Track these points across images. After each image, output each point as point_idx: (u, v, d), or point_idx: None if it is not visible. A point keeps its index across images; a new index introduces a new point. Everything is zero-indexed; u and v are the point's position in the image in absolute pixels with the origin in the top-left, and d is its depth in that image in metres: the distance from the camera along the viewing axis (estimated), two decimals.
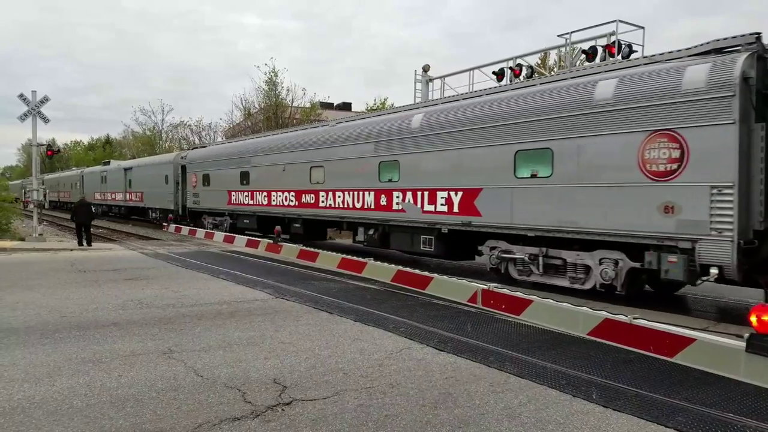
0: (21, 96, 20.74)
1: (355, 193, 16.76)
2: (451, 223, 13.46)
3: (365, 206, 16.32)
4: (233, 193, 23.92)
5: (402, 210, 14.96)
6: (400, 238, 15.43)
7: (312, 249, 16.16)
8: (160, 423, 4.54)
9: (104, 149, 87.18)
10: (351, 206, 16.93)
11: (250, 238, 20.71)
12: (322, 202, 18.24)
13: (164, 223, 30.25)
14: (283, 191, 20.41)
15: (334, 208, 17.69)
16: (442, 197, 13.70)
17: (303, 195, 19.21)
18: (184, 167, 29.23)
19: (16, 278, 12.19)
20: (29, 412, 4.72)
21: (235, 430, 4.43)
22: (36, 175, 22.80)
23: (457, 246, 14.02)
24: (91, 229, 20.81)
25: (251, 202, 22.58)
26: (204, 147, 29.83)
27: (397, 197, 15.11)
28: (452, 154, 13.41)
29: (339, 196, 17.48)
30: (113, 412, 4.76)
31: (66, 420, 4.58)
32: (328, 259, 15.02)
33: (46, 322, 8.06)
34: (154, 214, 34.37)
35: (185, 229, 26.71)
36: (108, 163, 47.06)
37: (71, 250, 18.63)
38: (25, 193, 56.69)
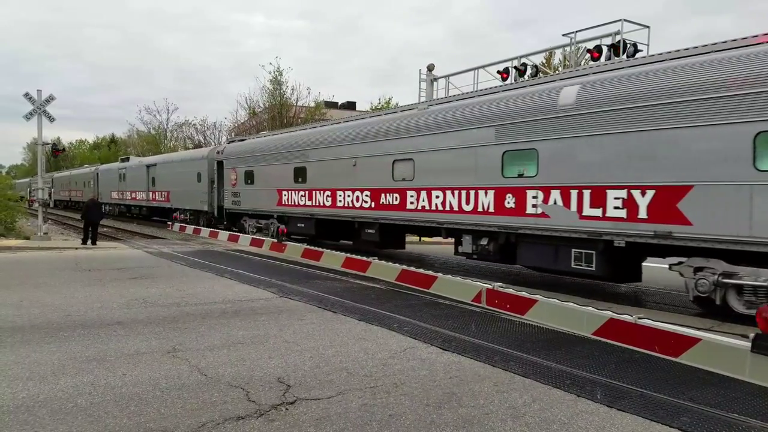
0: (26, 95, 20.80)
1: (463, 192, 13.14)
2: (633, 234, 9.80)
3: (479, 209, 12.73)
4: (285, 192, 20.52)
5: (542, 215, 11.40)
6: (535, 252, 11.82)
7: (316, 248, 16.17)
8: (164, 422, 4.55)
9: (109, 148, 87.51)
10: (454, 208, 13.38)
11: (255, 237, 20.72)
12: (411, 203, 14.73)
13: (168, 222, 30.30)
14: (353, 190, 16.93)
15: (429, 210, 14.14)
16: (616, 198, 10.10)
17: (383, 195, 15.72)
18: (220, 163, 25.57)
19: (21, 277, 12.23)
20: (34, 411, 4.73)
21: (238, 429, 4.43)
22: (41, 174, 22.87)
23: (623, 263, 10.70)
24: (97, 228, 20.90)
25: (308, 203, 19.16)
26: (242, 140, 25.74)
27: (534, 197, 11.59)
28: (635, 139, 9.79)
29: (437, 196, 13.93)
30: (117, 410, 4.77)
31: (70, 418, 4.59)
32: (332, 259, 15.03)
33: (50, 320, 8.08)
34: (184, 216, 30.57)
35: (190, 228, 26.77)
36: (127, 159, 42.64)
37: (76, 248, 18.69)
38: (30, 191, 56.82)
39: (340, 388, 5.43)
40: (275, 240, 18.86)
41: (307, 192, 19.40)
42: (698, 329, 7.03)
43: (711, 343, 6.30)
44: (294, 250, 17.27)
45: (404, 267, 12.09)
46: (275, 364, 6.17)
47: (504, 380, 5.78)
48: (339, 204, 17.70)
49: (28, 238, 21.84)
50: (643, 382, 5.74)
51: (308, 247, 16.76)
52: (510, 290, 9.25)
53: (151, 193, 35.16)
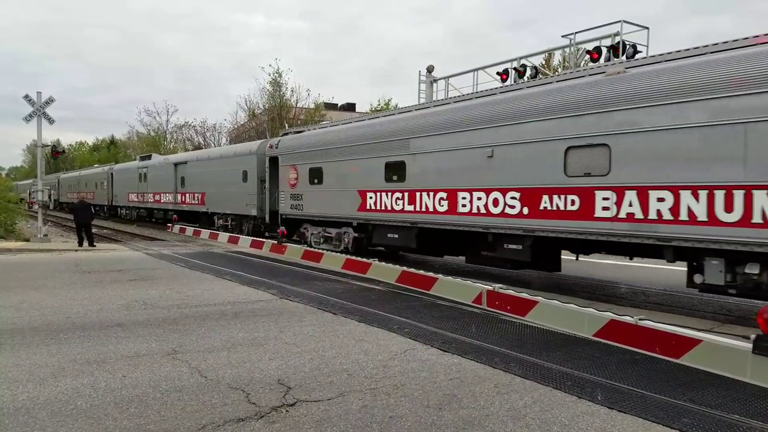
0: (26, 97, 20.80)
1: (719, 193, 8.56)
2: None
3: (754, 218, 8.17)
4: (371, 194, 16.02)
5: None
6: None
7: (316, 250, 16.17)
8: (165, 424, 4.54)
9: (109, 150, 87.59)
10: (697, 217, 8.80)
11: (255, 239, 20.66)
12: (604, 208, 10.09)
13: (168, 224, 30.20)
14: (488, 190, 12.34)
15: (642, 220, 9.53)
16: None
17: (545, 196, 11.09)
18: (274, 159, 21.21)
19: (21, 279, 12.22)
20: (33, 413, 4.72)
21: (239, 431, 4.43)
22: (41, 176, 22.87)
23: None
24: (93, 230, 20.85)
25: (408, 208, 14.70)
26: (300, 132, 21.21)
27: None
28: None
29: (660, 199, 9.29)
30: (117, 412, 4.76)
31: (70, 421, 4.58)
32: (332, 260, 15.03)
33: (50, 322, 8.07)
34: (223, 222, 26.39)
35: (189, 230, 26.74)
36: (148, 157, 37.86)
37: (75, 250, 18.68)
38: (30, 193, 56.46)
39: (341, 389, 5.42)
40: (344, 254, 15.92)
41: (406, 194, 14.81)
42: (699, 330, 7.02)
43: (712, 344, 6.30)
44: (294, 251, 17.26)
45: (404, 268, 12.09)
46: (275, 365, 6.16)
47: (504, 382, 5.78)
48: (462, 209, 13.10)
49: (27, 240, 21.84)
50: (644, 383, 5.73)
51: (308, 248, 16.76)
52: (510, 292, 9.24)
53: (180, 195, 30.66)
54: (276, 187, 21.16)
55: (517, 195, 11.71)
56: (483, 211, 12.53)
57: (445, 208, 13.59)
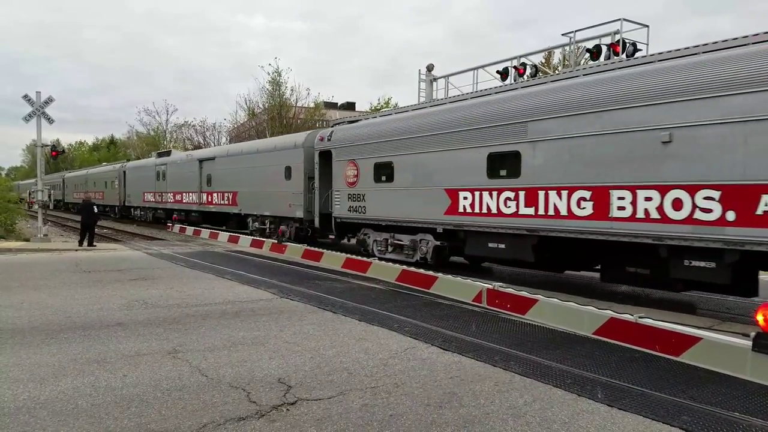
0: (25, 97, 20.79)
1: None
2: None
3: None
4: (465, 193, 12.99)
5: None
6: None
7: (316, 249, 16.17)
8: (165, 423, 4.54)
9: (108, 149, 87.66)
10: None
11: (255, 238, 20.66)
12: None
13: (168, 223, 30.16)
14: (663, 188, 9.32)
15: None
16: None
17: (765, 197, 8.16)
18: (325, 153, 18.32)
19: (21, 278, 12.22)
20: (34, 413, 4.73)
21: (240, 430, 4.43)
22: (40, 175, 22.87)
23: None
24: (95, 229, 20.93)
25: (525, 211, 11.63)
26: (355, 121, 18.48)
27: None
28: None
29: None
30: (118, 412, 4.77)
31: (71, 420, 4.58)
32: (332, 259, 15.03)
33: (51, 322, 8.08)
34: (259, 225, 23.20)
35: (190, 230, 26.74)
36: (167, 153, 34.98)
37: (76, 250, 18.68)
38: (30, 193, 56.16)
39: (341, 388, 5.43)
40: (415, 267, 12.93)
41: (521, 193, 11.72)
42: (699, 328, 7.03)
43: (712, 342, 6.31)
44: (294, 250, 17.26)
45: (404, 267, 12.09)
46: (276, 364, 6.17)
47: (504, 380, 5.78)
48: (618, 213, 9.93)
49: (27, 240, 21.86)
50: (644, 381, 5.74)
51: (308, 247, 16.75)
52: (510, 290, 9.25)
53: (205, 195, 27.61)
54: (327, 186, 18.32)
55: (715, 194, 8.64)
56: (655, 216, 9.38)
57: (587, 211, 10.42)
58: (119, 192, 40.12)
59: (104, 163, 56.97)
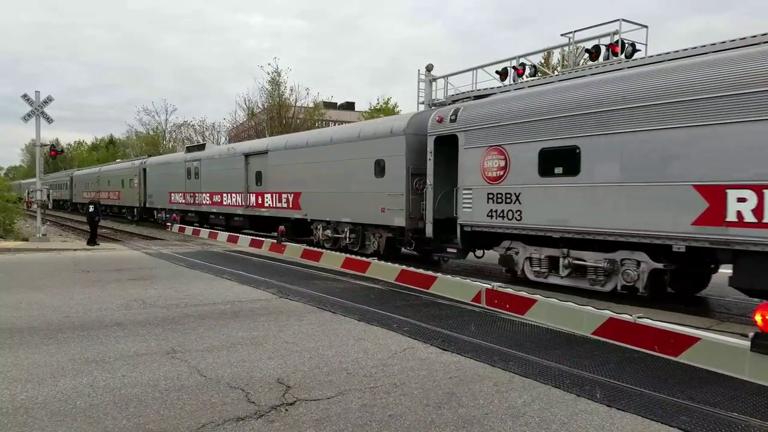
0: (24, 96, 20.80)
1: None
2: None
3: None
4: (745, 192, 8.56)
5: None
6: None
7: (315, 249, 16.15)
8: (164, 423, 4.54)
9: (108, 149, 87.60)
10: None
11: (254, 237, 20.62)
12: None
13: (168, 223, 30.09)
14: None
15: None
16: None
17: None
18: (447, 138, 13.79)
19: (20, 278, 12.21)
20: (32, 413, 4.72)
21: (238, 430, 4.43)
22: (39, 175, 22.87)
23: None
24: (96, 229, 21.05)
25: None
26: (486, 96, 13.96)
27: None
28: None
29: None
30: (116, 412, 4.76)
31: (69, 420, 4.58)
32: (331, 259, 15.02)
33: (49, 322, 8.07)
34: (332, 233, 18.76)
35: (189, 229, 26.72)
36: (200, 147, 30.01)
37: (75, 250, 18.67)
38: (28, 193, 55.69)
39: (340, 388, 5.43)
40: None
41: None
42: (697, 328, 7.03)
43: (710, 342, 6.31)
44: (293, 250, 17.25)
45: (404, 267, 12.08)
46: (275, 364, 6.17)
47: (503, 380, 5.78)
48: None
49: (26, 240, 21.84)
50: (643, 381, 5.74)
51: (308, 247, 16.74)
52: (509, 290, 9.25)
53: (254, 196, 23.26)
54: (440, 184, 14.31)
55: None
56: None
57: None
58: (139, 192, 35.84)
59: (119, 160, 53.50)
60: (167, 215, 31.74)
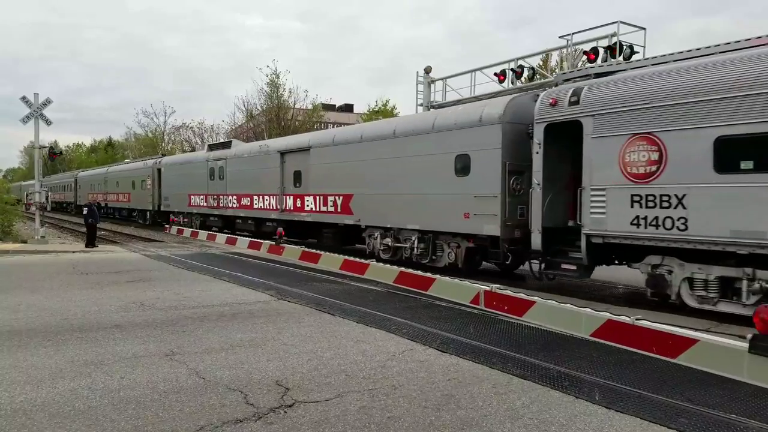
0: (23, 98, 20.79)
1: None
2: None
3: None
4: None
5: None
6: None
7: (314, 251, 16.14)
8: (162, 425, 4.54)
9: (106, 151, 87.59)
10: None
11: (253, 239, 20.60)
12: None
13: (166, 225, 30.03)
14: None
15: None
16: None
17: None
18: (567, 125, 11.05)
19: (18, 280, 12.20)
20: (31, 415, 4.72)
21: None
22: (38, 177, 22.85)
23: None
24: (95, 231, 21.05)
25: None
26: (615, 72, 10.94)
27: None
28: None
29: None
30: (115, 414, 4.76)
31: (68, 422, 4.57)
32: (330, 261, 15.01)
33: (48, 324, 8.06)
34: (392, 242, 15.82)
35: (187, 231, 26.70)
36: (226, 144, 27.07)
37: (73, 252, 18.65)
38: (27, 195, 55.33)
39: (339, 390, 5.43)
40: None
41: None
42: (696, 330, 7.04)
43: (709, 344, 6.31)
44: (292, 252, 17.23)
45: (402, 269, 12.08)
46: (273, 366, 6.16)
47: (502, 382, 5.79)
48: None
49: (25, 242, 21.82)
50: (641, 383, 5.75)
51: (306, 249, 16.73)
52: (508, 292, 9.25)
53: (292, 199, 20.55)
54: (554, 184, 11.66)
55: None
56: None
57: None
58: (152, 194, 33.39)
59: (127, 160, 50.99)
60: (185, 219, 29.64)
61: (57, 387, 5.41)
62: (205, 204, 27.19)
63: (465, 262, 13.85)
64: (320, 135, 21.06)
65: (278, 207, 21.33)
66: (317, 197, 19.07)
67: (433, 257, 14.72)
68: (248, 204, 23.42)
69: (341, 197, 17.83)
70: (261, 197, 22.50)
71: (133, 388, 5.38)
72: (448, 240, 14.30)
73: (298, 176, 20.35)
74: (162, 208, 32.53)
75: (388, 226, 15.92)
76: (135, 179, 36.39)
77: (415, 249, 14.99)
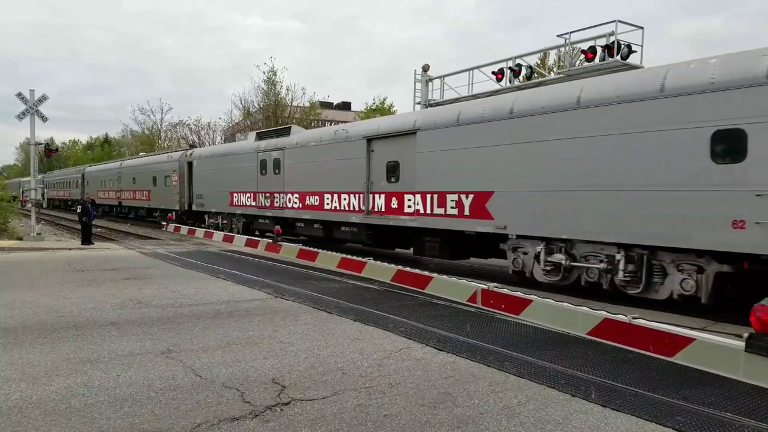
0: (19, 95, 20.72)
1: None
2: None
3: None
4: None
5: None
6: None
7: (311, 249, 16.13)
8: (159, 423, 4.53)
9: (102, 148, 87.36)
10: None
11: (250, 237, 20.57)
12: None
13: (163, 222, 29.95)
14: None
15: None
16: None
17: None
18: None
19: (14, 278, 12.16)
20: (27, 412, 4.70)
21: (233, 430, 4.42)
22: (34, 174, 22.77)
23: None
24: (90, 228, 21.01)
25: None
26: None
27: None
28: None
29: None
30: (111, 412, 4.74)
31: (63, 420, 4.56)
32: (327, 259, 14.99)
33: (43, 321, 8.03)
34: (567, 260, 11.16)
35: (184, 229, 26.63)
36: (284, 131, 21.89)
37: (69, 249, 18.60)
38: (23, 192, 55.14)
39: (335, 388, 5.42)
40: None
41: None
42: (692, 329, 7.05)
43: (705, 342, 6.33)
44: (289, 250, 17.21)
45: (400, 267, 12.08)
46: (270, 364, 6.16)
47: (499, 380, 5.79)
48: None
49: (20, 239, 21.74)
50: (638, 381, 5.75)
51: (303, 247, 16.70)
52: (505, 290, 9.26)
53: (383, 198, 16.13)
54: None
55: None
56: None
57: None
58: (179, 191, 28.88)
59: (142, 153, 45.23)
60: (224, 221, 25.50)
61: (53, 384, 5.39)
62: (253, 203, 22.75)
63: (712, 294, 9.39)
64: (434, 113, 15.48)
65: (362, 208, 16.91)
66: (427, 196, 14.59)
67: (651, 284, 10.14)
68: (316, 204, 19.00)
69: (471, 196, 13.33)
70: (335, 195, 18.11)
71: (129, 386, 5.37)
72: (678, 260, 9.77)
73: (393, 169, 15.92)
74: (195, 208, 28.00)
75: (564, 237, 11.26)
76: (157, 174, 31.56)
77: (620, 272, 10.27)
